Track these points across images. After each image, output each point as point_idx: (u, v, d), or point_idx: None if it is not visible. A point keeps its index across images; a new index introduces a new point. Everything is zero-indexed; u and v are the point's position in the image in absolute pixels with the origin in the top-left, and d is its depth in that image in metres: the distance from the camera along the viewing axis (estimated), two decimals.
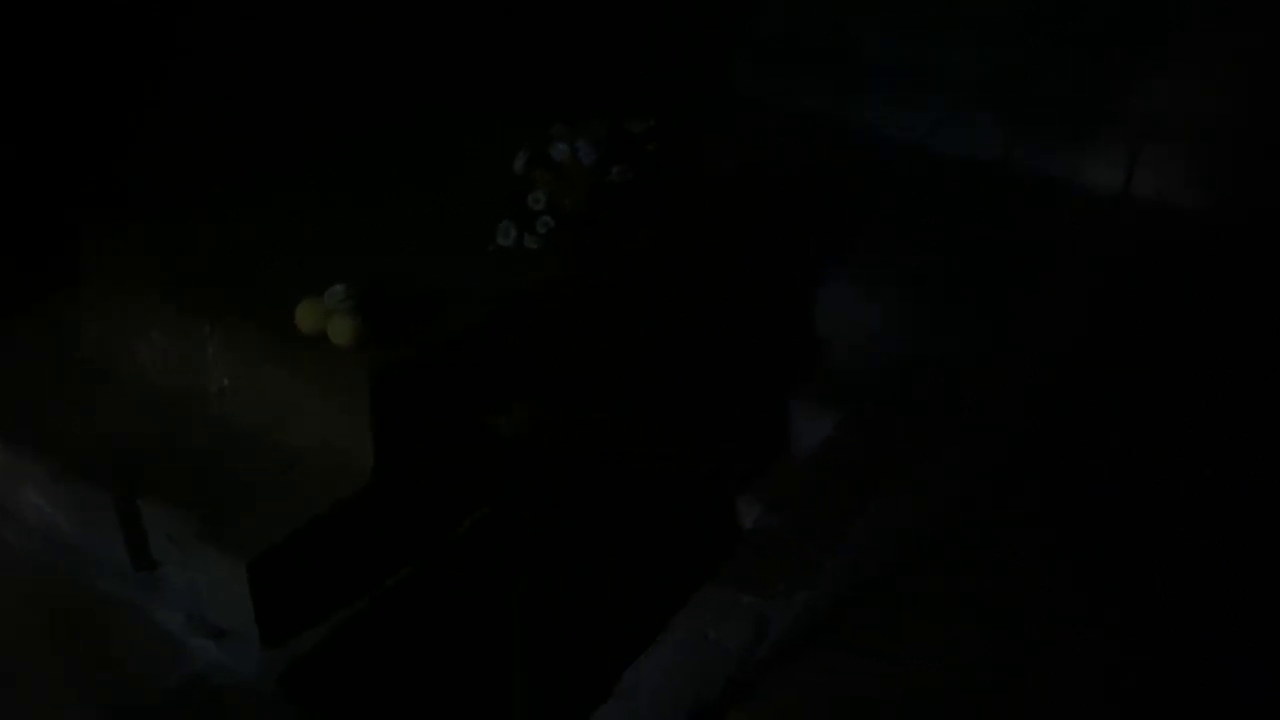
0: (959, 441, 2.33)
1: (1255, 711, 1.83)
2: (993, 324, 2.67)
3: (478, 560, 2.16)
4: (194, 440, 2.11)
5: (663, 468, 2.49)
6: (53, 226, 2.25)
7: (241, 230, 2.31)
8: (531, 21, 3.20)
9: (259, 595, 1.87)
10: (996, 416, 2.42)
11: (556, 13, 3.27)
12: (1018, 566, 2.07)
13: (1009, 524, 2.15)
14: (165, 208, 2.33)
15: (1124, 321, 2.66)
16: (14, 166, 2.23)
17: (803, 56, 3.56)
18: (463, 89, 2.90)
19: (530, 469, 2.15)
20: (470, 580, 2.16)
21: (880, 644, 1.95)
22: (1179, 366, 2.50)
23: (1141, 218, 3.05)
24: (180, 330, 2.13)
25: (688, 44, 3.65)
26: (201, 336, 2.11)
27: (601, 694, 1.87)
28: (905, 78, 3.40)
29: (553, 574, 2.18)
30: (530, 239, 2.33)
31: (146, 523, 2.01)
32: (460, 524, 2.21)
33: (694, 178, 2.62)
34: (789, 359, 2.84)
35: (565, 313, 2.33)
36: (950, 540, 2.10)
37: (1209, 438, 2.34)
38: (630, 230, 2.44)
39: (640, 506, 2.44)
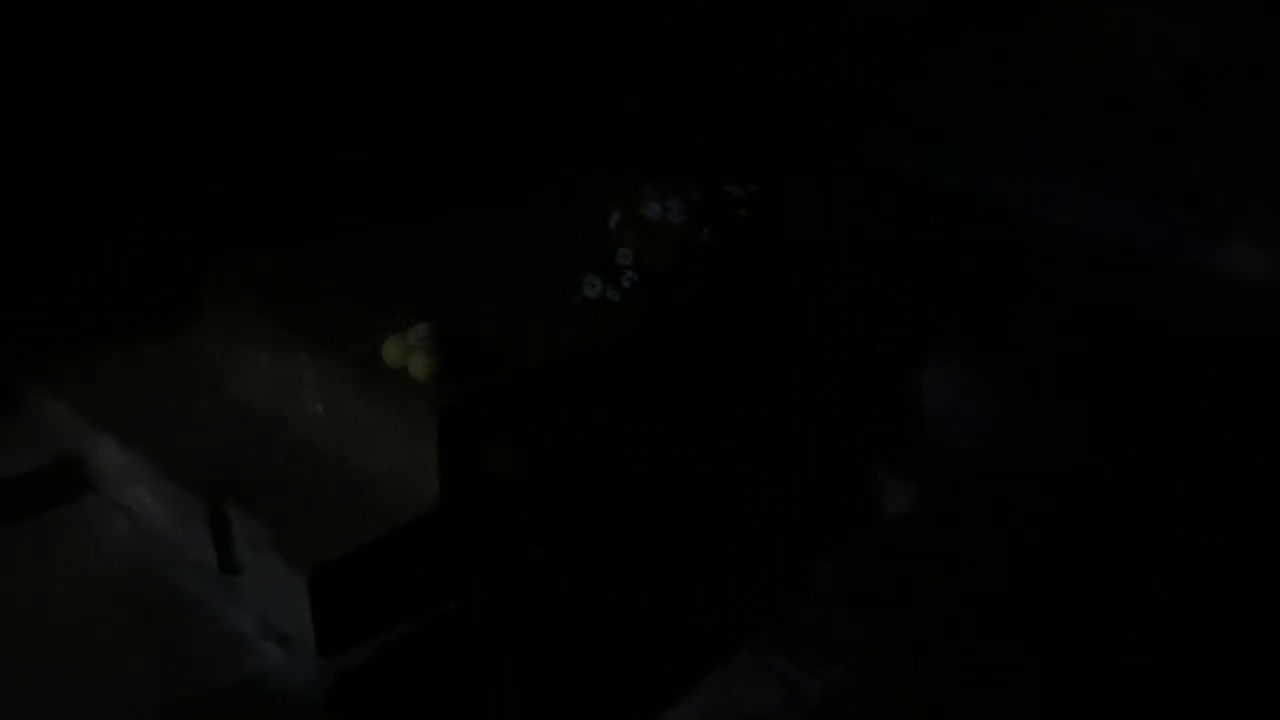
0: (1017, 527, 2.27)
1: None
2: (1083, 409, 2.59)
3: (529, 598, 2.24)
4: (286, 457, 2.29)
5: (716, 520, 2.51)
6: (183, 257, 2.50)
7: (346, 269, 2.50)
8: (641, 81, 3.33)
9: (318, 605, 2.01)
10: (1058, 504, 2.34)
11: (669, 73, 3.40)
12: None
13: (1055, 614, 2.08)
14: (281, 243, 2.55)
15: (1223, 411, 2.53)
16: (151, 199, 2.50)
17: (923, 127, 3.55)
18: (567, 145, 3.05)
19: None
20: (520, 617, 2.23)
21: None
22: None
23: (1260, 307, 2.89)
24: (284, 357, 2.32)
25: (818, 116, 3.71)
26: (300, 364, 2.29)
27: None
28: (1026, 154, 3.36)
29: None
30: (613, 292, 2.42)
31: (234, 530, 2.18)
32: (521, 561, 2.29)
33: (783, 243, 2.67)
34: (865, 426, 2.82)
35: (639, 361, 2.41)
36: (998, 622, 2.04)
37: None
38: (711, 290, 2.50)
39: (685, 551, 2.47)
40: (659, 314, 2.43)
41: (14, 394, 2.46)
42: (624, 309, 2.40)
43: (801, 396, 2.71)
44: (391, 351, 2.17)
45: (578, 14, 3.25)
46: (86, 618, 2.13)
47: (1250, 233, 3.03)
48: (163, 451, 2.27)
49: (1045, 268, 3.12)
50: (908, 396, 2.89)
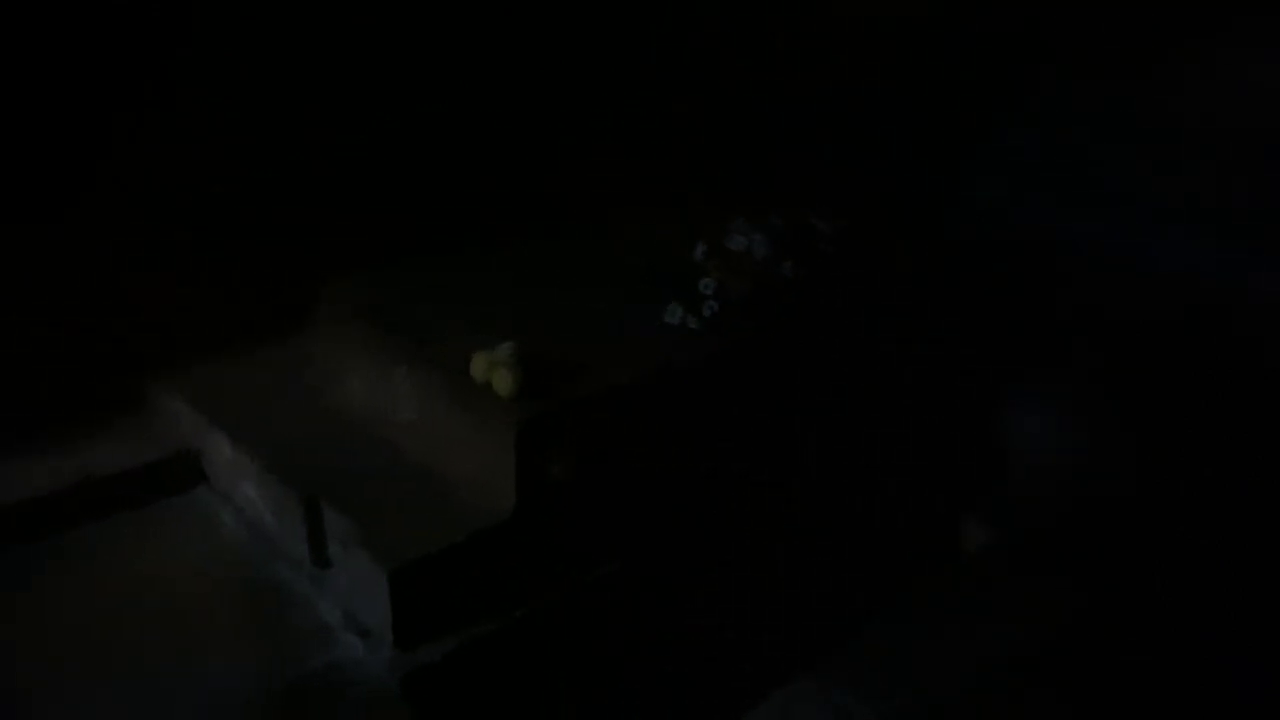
0: (1087, 566, 2.25)
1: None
2: (1176, 451, 2.54)
3: (602, 611, 2.32)
4: (380, 460, 2.44)
5: (780, 542, 2.55)
6: (298, 271, 2.70)
7: (445, 288, 2.66)
8: (737, 116, 3.41)
9: (397, 602, 2.14)
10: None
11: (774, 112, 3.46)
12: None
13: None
14: (389, 260, 2.74)
15: None
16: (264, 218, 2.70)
17: (1035, 171, 3.53)
18: (660, 172, 3.16)
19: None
20: (586, 628, 2.32)
21: None
22: None
23: None
24: (382, 367, 2.48)
25: (923, 152, 3.72)
26: (397, 375, 2.44)
27: None
28: (1142, 203, 3.30)
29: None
30: (693, 320, 2.51)
31: (327, 526, 2.34)
32: (590, 574, 2.39)
33: (864, 279, 2.71)
34: (947, 466, 2.83)
35: (715, 387, 2.49)
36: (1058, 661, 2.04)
37: None
38: (790, 322, 2.56)
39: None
40: (737, 343, 2.50)
41: (142, 391, 2.69)
42: (703, 337, 2.48)
43: (875, 428, 2.73)
44: (478, 367, 2.30)
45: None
46: (192, 600, 2.31)
47: None
48: (267, 450, 2.45)
49: (1143, 311, 3.07)
50: (987, 433, 2.88)
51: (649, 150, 3.24)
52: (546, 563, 2.32)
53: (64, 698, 2.06)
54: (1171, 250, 3.24)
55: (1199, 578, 2.23)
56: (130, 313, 2.72)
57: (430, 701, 2.15)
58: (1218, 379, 2.86)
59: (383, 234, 2.88)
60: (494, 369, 2.27)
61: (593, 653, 2.31)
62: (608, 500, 2.36)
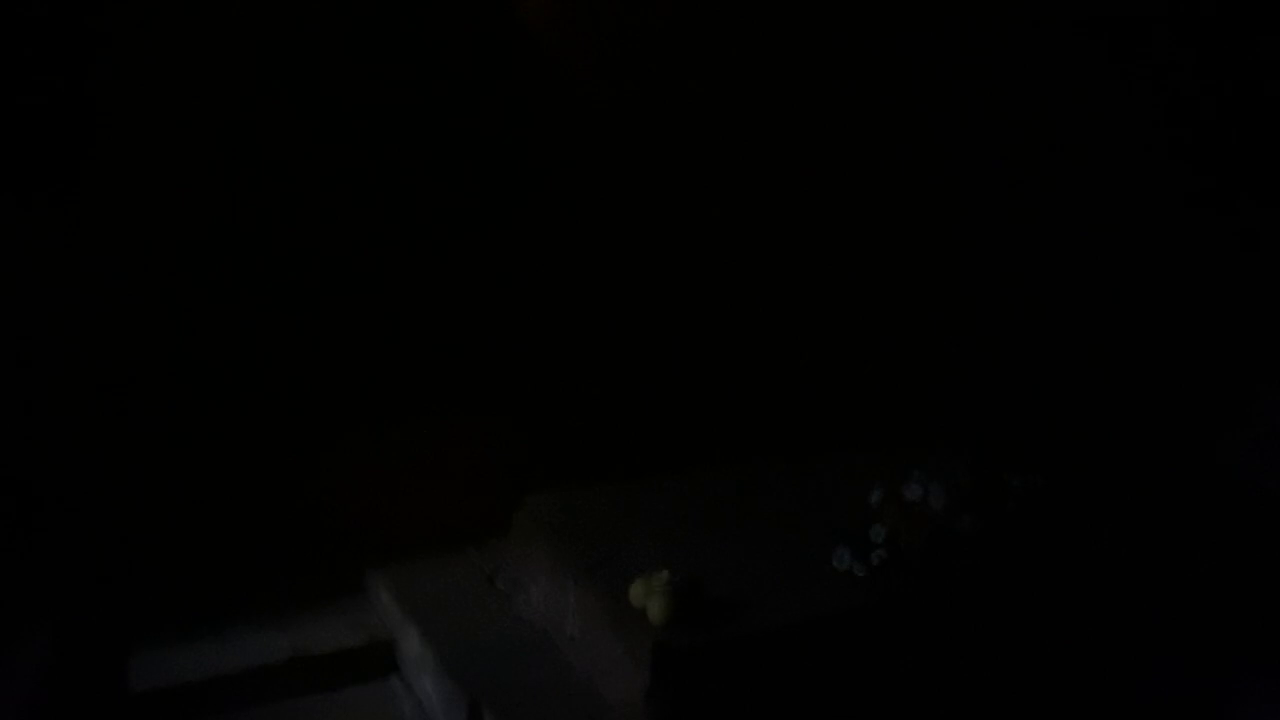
0: None
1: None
2: None
3: None
4: (546, 672, 2.56)
5: None
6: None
7: (626, 511, 2.81)
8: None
9: None
10: None
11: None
12: None
13: None
14: (581, 482, 2.94)
15: None
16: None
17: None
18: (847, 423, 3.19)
19: None
20: None
21: None
22: None
23: None
24: (555, 584, 2.64)
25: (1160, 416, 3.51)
26: (567, 591, 2.59)
27: None
28: None
29: None
30: (859, 568, 2.49)
31: None
32: None
33: (1050, 540, 2.58)
34: None
35: (873, 638, 2.42)
36: None
37: None
38: (961, 579, 2.48)
39: None
40: (901, 597, 2.45)
41: (360, 579, 2.99)
42: (867, 586, 2.45)
43: (1063, 703, 2.52)
44: (636, 593, 2.40)
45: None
46: None
47: None
48: (448, 649, 2.63)
49: None
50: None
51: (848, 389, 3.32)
52: None
53: None
54: None
55: None
56: (358, 503, 3.05)
57: None
58: None
59: (581, 460, 3.11)
60: (650, 596, 2.36)
61: None
62: None
